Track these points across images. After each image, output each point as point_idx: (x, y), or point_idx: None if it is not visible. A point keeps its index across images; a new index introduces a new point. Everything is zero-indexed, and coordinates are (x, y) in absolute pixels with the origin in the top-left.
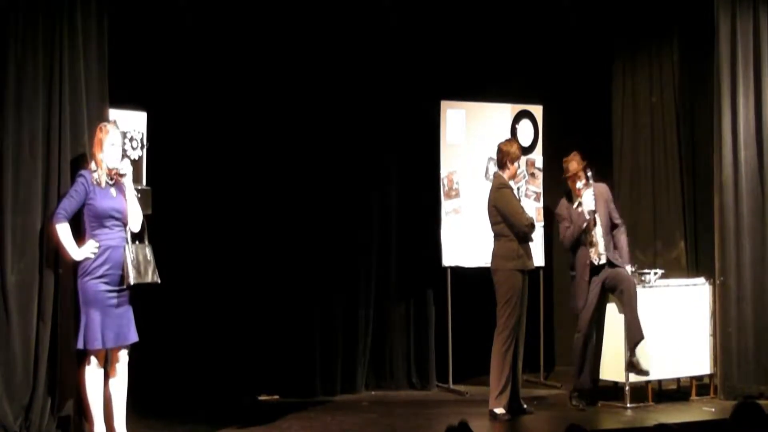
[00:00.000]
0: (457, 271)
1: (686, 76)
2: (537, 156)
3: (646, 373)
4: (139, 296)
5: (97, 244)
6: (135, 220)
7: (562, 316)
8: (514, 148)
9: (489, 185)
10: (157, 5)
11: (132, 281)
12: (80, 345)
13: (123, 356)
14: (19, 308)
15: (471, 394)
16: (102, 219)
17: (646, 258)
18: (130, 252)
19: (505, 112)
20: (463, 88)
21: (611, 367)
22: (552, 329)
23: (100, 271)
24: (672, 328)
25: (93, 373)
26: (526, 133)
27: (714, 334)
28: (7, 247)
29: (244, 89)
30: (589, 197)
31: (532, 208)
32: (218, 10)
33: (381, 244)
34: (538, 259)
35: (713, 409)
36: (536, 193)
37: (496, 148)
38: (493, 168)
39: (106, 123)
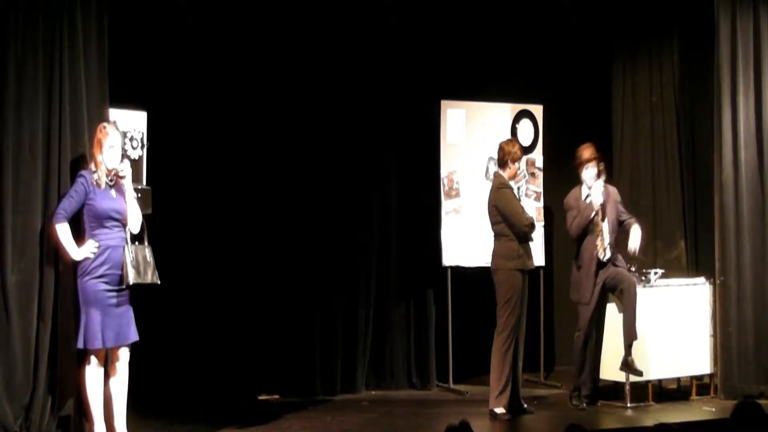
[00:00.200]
0: (457, 270)
1: (686, 76)
2: (537, 156)
3: (639, 373)
4: (139, 296)
5: (97, 244)
6: (134, 221)
7: (563, 315)
8: (515, 148)
9: (489, 185)
10: (157, 5)
11: (131, 281)
12: (80, 344)
13: (123, 355)
14: (19, 308)
15: (471, 394)
16: (102, 220)
17: (647, 258)
18: (129, 252)
19: (506, 111)
20: (464, 87)
21: (611, 367)
22: (552, 329)
23: (100, 271)
24: (672, 327)
25: (93, 372)
26: (526, 132)
27: (714, 334)
28: (7, 247)
29: (244, 89)
30: (598, 190)
31: (533, 208)
32: (218, 10)
33: (381, 244)
34: (539, 258)
35: (713, 409)
36: (536, 192)
37: (496, 148)
38: (494, 168)
39: (105, 124)
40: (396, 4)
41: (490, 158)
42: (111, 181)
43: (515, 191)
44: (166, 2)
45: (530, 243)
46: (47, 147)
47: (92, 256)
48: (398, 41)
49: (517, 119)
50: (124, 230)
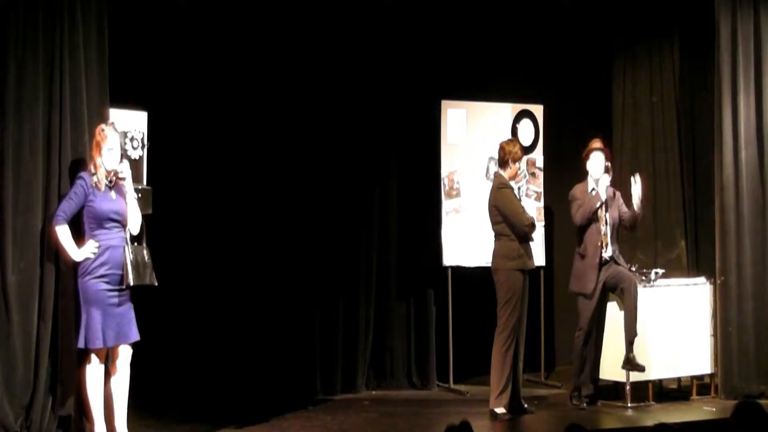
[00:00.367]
0: (457, 270)
1: (686, 76)
2: (537, 155)
3: (642, 368)
4: (138, 296)
5: (97, 244)
6: (134, 222)
7: (563, 315)
8: (516, 148)
9: (489, 185)
10: (158, 5)
11: (132, 282)
12: (81, 344)
13: (125, 354)
14: (19, 308)
15: (471, 394)
16: (101, 221)
17: (647, 257)
18: (129, 253)
19: (506, 111)
20: (464, 87)
21: (612, 367)
22: (552, 329)
23: (101, 271)
24: (672, 327)
25: (94, 371)
26: (526, 132)
27: (714, 334)
28: (7, 246)
29: (244, 89)
30: (605, 183)
31: (533, 208)
32: (219, 10)
33: (381, 244)
34: (539, 258)
35: (714, 409)
36: (537, 192)
37: (497, 148)
38: (494, 167)
39: (103, 127)
40: (396, 4)
41: (491, 158)
42: (110, 182)
43: (516, 191)
44: (167, 2)
45: (531, 243)
46: (47, 147)
47: (92, 256)
48: (398, 41)
49: (517, 119)
50: (124, 231)
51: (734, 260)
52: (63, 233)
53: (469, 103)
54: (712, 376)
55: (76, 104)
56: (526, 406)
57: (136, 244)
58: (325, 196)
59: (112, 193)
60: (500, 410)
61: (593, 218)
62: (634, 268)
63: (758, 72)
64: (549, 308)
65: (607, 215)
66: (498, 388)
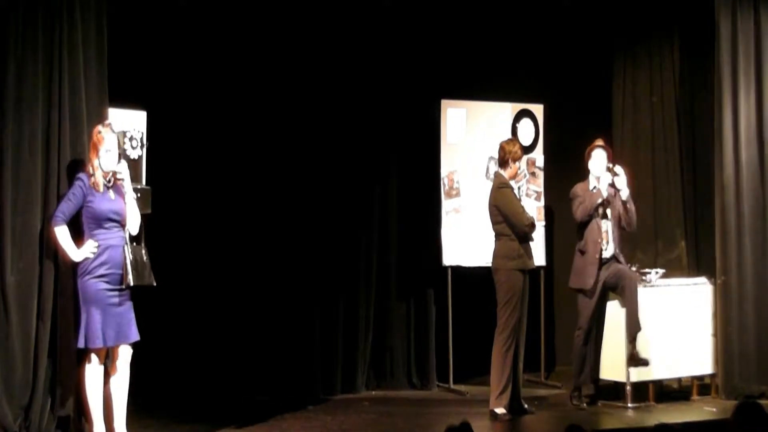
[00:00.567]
0: (457, 270)
1: (687, 75)
2: (538, 155)
3: (646, 362)
4: (137, 296)
5: (96, 244)
6: (134, 222)
7: (563, 315)
8: (516, 148)
9: (489, 185)
10: (157, 4)
11: (132, 282)
12: (81, 344)
13: (124, 354)
14: (18, 308)
15: (472, 394)
16: (100, 221)
17: (647, 257)
18: (128, 252)
19: (506, 111)
20: (464, 86)
21: (612, 367)
22: (553, 329)
23: (100, 271)
24: (673, 327)
25: (93, 372)
26: (526, 132)
27: (715, 334)
28: (6, 246)
29: (244, 88)
30: (606, 181)
31: (533, 208)
32: (218, 9)
33: (381, 244)
34: (539, 258)
35: (714, 409)
36: (537, 192)
37: (497, 147)
38: (494, 167)
39: (100, 128)
40: (396, 4)
41: (491, 158)
42: (109, 182)
43: (516, 191)
44: (166, 1)
45: (531, 243)
46: (47, 146)
47: (92, 256)
48: (398, 40)
49: (517, 118)
50: (123, 231)
51: (735, 260)
52: (62, 234)
53: (469, 103)
54: (712, 376)
55: (75, 103)
56: (526, 406)
57: (135, 244)
58: (324, 196)
59: (111, 193)
60: (500, 411)
61: (594, 215)
62: (634, 268)
63: (758, 71)
64: (549, 308)
65: (609, 213)
66: (498, 389)
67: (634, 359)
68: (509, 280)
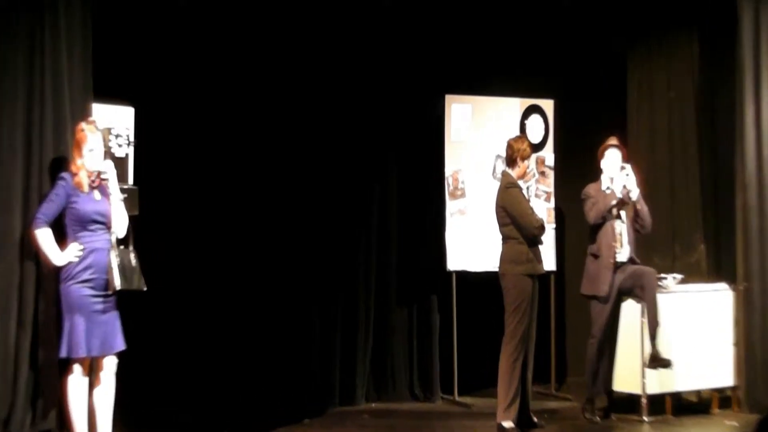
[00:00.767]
0: (462, 275)
1: (706, 69)
2: (548, 153)
3: (668, 363)
4: (125, 302)
5: (81, 247)
6: (120, 224)
7: (575, 323)
8: (524, 145)
9: (496, 184)
10: None
11: (118, 287)
12: (63, 353)
13: (109, 365)
14: None
15: (477, 407)
16: (85, 223)
17: (664, 262)
18: (115, 256)
19: (514, 106)
20: (469, 81)
21: (627, 378)
22: (564, 337)
23: (84, 276)
24: (692, 336)
25: (77, 383)
26: (535, 129)
27: (737, 344)
28: None
29: (237, 83)
30: (620, 181)
31: (543, 209)
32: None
33: (382, 247)
34: (549, 263)
35: (736, 424)
36: (546, 192)
37: (504, 145)
38: (501, 166)
39: (83, 126)
40: None
41: (498, 156)
42: (94, 182)
43: (524, 191)
44: None
45: (540, 246)
46: (27, 144)
47: (76, 260)
48: (400, 32)
49: (526, 115)
50: (109, 233)
51: (758, 264)
52: (44, 236)
53: (475, 98)
54: (734, 388)
55: (57, 98)
56: (535, 419)
57: (122, 247)
58: (322, 196)
59: (96, 194)
60: (508, 424)
61: (608, 216)
62: None
63: None
64: (560, 315)
65: (623, 214)
66: (506, 401)
67: (657, 361)
68: (517, 285)
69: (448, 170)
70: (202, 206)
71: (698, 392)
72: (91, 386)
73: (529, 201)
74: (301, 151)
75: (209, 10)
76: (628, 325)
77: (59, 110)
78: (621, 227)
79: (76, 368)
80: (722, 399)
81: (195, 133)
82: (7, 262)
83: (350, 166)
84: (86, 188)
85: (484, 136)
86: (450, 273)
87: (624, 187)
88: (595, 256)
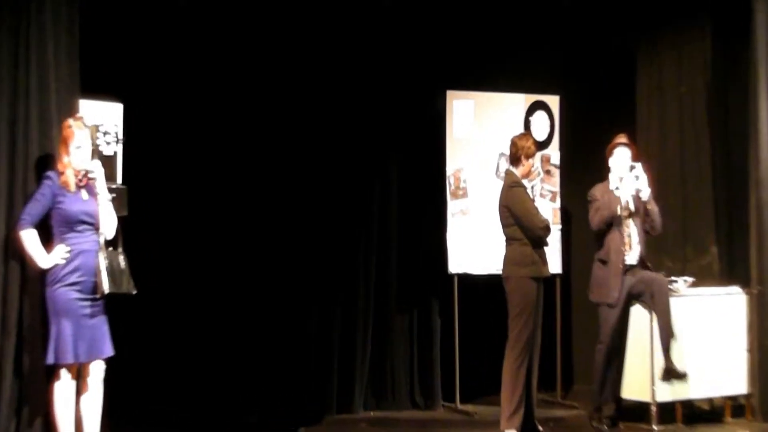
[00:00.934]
0: (464, 278)
1: (719, 64)
2: (553, 151)
3: (683, 375)
4: (114, 306)
5: (68, 249)
6: (109, 225)
7: (582, 328)
8: (529, 143)
9: (500, 184)
10: None
11: (107, 290)
12: (50, 359)
13: (97, 371)
14: None
15: (480, 415)
16: (72, 224)
17: (675, 265)
18: (103, 258)
19: (518, 102)
20: (472, 76)
21: (635, 385)
22: (570, 343)
23: (72, 279)
24: (704, 342)
25: (63, 389)
26: (540, 126)
27: (751, 350)
28: None
29: (230, 78)
30: (629, 183)
31: (548, 209)
32: None
33: (381, 249)
34: (555, 265)
35: None
36: (552, 192)
37: (508, 143)
38: (505, 165)
39: (71, 122)
40: None
41: (501, 154)
42: (81, 181)
43: (529, 190)
44: None
45: (545, 248)
46: (12, 143)
47: (62, 262)
48: (399, 26)
49: (530, 111)
50: (98, 234)
51: None
52: (29, 238)
53: (478, 94)
54: (747, 396)
55: (43, 96)
56: (540, 428)
57: (110, 249)
58: (319, 196)
59: (83, 193)
60: None
61: (614, 222)
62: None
63: None
64: (566, 320)
65: (630, 220)
66: (509, 409)
67: (671, 373)
68: (521, 288)
69: (450, 169)
70: (194, 206)
71: (710, 400)
72: (78, 393)
73: (533, 201)
74: (296, 150)
75: (199, 2)
76: (638, 331)
77: (44, 106)
78: (630, 229)
79: (63, 374)
80: (735, 407)
81: (187, 129)
82: None
83: (348, 165)
84: (73, 187)
85: (487, 134)
86: (452, 276)
87: (636, 190)
88: (603, 262)
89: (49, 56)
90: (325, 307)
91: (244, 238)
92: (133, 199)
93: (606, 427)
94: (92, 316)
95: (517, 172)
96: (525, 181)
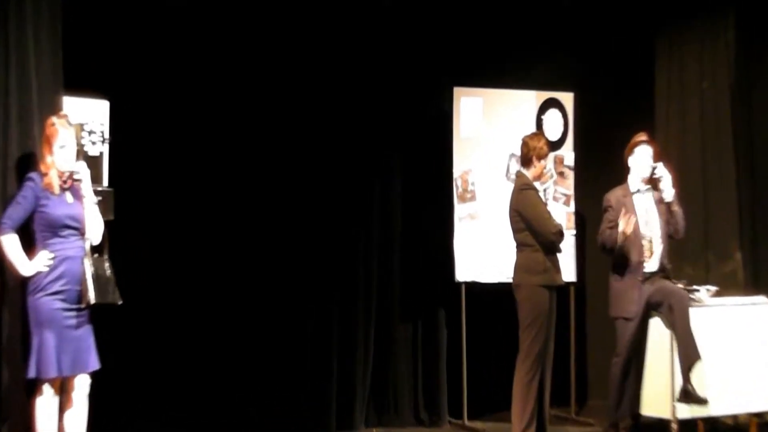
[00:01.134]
0: (472, 287)
1: (742, 58)
2: (567, 152)
3: (703, 401)
4: (99, 317)
5: (51, 255)
6: (95, 229)
7: (597, 339)
8: (541, 143)
9: (510, 186)
10: None
11: (93, 299)
12: (32, 373)
13: (82, 385)
14: None
15: None
16: (56, 228)
17: (696, 272)
18: (89, 265)
19: (530, 100)
20: (480, 72)
21: (654, 400)
22: (585, 356)
23: (55, 287)
24: (728, 354)
25: (46, 405)
26: (553, 124)
27: None
28: None
29: (225, 73)
30: (647, 199)
31: (561, 213)
32: None
33: (383, 255)
34: (569, 273)
35: None
36: (566, 195)
37: (519, 143)
38: (515, 166)
39: (54, 120)
40: None
41: (512, 155)
42: (65, 183)
43: (541, 193)
44: None
45: (559, 255)
46: None
47: (46, 269)
48: (404, 19)
49: (543, 109)
50: (83, 240)
51: None
52: (10, 243)
53: (486, 91)
54: None
55: (24, 93)
56: None
57: (96, 255)
58: (319, 198)
59: (68, 196)
60: None
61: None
62: (681, 285)
63: None
64: (580, 331)
65: (657, 215)
66: (520, 425)
67: (689, 397)
68: (533, 297)
69: (457, 170)
70: (186, 209)
71: (735, 417)
72: (62, 409)
73: (546, 204)
74: (297, 151)
75: None
76: (657, 342)
77: (25, 103)
78: (650, 234)
79: (46, 389)
80: (761, 425)
81: (178, 128)
82: None
83: (350, 166)
84: (57, 190)
85: (496, 133)
86: (459, 284)
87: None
88: (620, 274)
89: (29, 51)
90: (324, 317)
91: (239, 244)
92: (120, 203)
93: None
94: (77, 327)
95: (529, 174)
96: (537, 184)
